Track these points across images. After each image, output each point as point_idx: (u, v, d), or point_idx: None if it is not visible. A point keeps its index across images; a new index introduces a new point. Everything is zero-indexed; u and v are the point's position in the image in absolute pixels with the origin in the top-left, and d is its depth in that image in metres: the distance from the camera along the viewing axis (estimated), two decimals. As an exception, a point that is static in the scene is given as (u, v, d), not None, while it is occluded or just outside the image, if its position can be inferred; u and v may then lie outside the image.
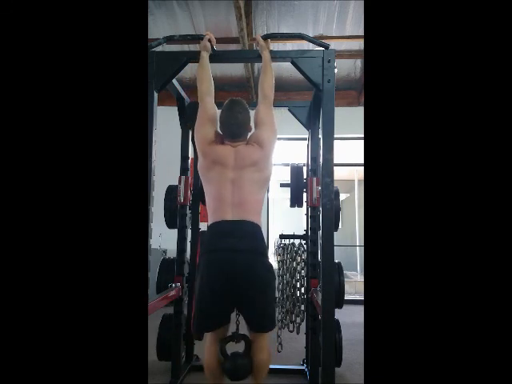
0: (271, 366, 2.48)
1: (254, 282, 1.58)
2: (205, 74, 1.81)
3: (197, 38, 1.88)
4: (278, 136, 1.81)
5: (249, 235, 1.62)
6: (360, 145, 4.93)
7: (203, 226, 2.33)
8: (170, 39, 1.87)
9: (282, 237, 2.63)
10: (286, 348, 2.62)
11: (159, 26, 4.16)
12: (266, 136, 1.74)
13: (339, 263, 2.24)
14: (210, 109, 1.78)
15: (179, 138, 2.50)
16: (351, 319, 3.68)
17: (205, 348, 1.68)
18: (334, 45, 2.90)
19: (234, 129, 1.75)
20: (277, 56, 1.92)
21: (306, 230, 2.56)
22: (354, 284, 6.60)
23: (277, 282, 2.54)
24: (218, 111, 1.82)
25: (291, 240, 2.60)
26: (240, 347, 1.67)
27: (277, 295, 2.56)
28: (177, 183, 2.37)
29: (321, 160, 1.74)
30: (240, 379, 1.64)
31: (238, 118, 1.76)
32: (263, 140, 1.73)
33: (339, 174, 6.99)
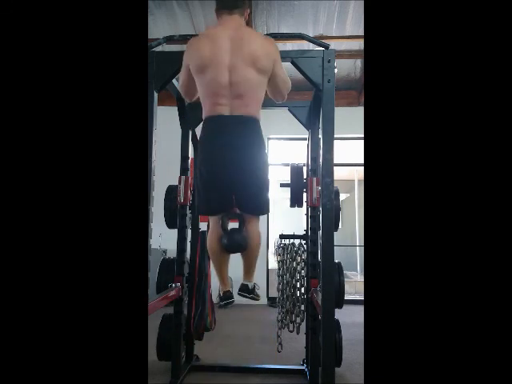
0: (271, 366, 2.52)
1: (248, 167, 1.66)
2: None
3: (197, 38, 1.88)
4: (278, 136, 1.83)
5: (247, 133, 1.64)
6: (360, 145, 4.93)
7: (203, 226, 2.33)
8: (169, 39, 1.87)
9: (281, 237, 2.63)
10: (285, 348, 2.62)
11: (159, 26, 4.16)
12: (274, 47, 1.68)
13: (339, 263, 2.24)
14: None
15: (179, 138, 2.50)
16: (351, 319, 3.68)
17: (208, 232, 1.86)
18: (334, 45, 2.89)
19: None
20: (277, 56, 1.91)
21: (306, 230, 2.56)
22: (354, 284, 6.60)
23: (277, 282, 2.55)
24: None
25: (291, 240, 2.60)
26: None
27: (277, 295, 2.56)
28: (177, 183, 2.37)
29: (321, 160, 1.74)
30: (235, 252, 1.81)
31: None
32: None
33: (339, 174, 6.98)
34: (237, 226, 1.81)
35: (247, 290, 1.84)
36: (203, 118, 1.67)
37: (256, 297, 1.88)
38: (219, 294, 1.91)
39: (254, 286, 1.88)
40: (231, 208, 1.75)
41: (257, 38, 1.65)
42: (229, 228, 1.80)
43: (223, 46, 1.58)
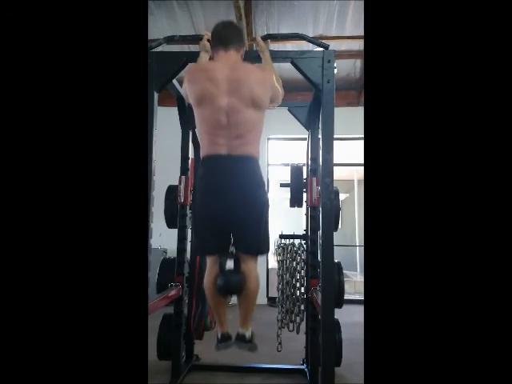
0: (271, 366, 2.52)
1: (246, 207, 1.59)
2: None
3: (197, 39, 1.88)
4: (278, 136, 1.82)
5: (246, 173, 1.60)
6: (360, 145, 4.93)
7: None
8: (170, 39, 1.87)
9: (281, 237, 2.64)
10: (285, 348, 2.62)
11: (159, 26, 4.15)
12: (270, 73, 1.67)
13: (339, 263, 2.24)
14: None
15: (179, 139, 2.50)
16: (351, 319, 3.67)
17: (205, 272, 1.73)
18: (334, 45, 2.89)
19: (226, 32, 1.69)
20: (277, 56, 1.92)
21: (306, 230, 2.56)
22: (354, 284, 6.60)
23: (277, 281, 2.55)
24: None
25: (291, 240, 2.60)
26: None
27: (277, 295, 2.56)
28: (177, 183, 2.37)
29: (321, 160, 1.74)
30: (229, 293, 1.71)
31: (230, 21, 1.79)
32: (264, 68, 1.69)
33: (339, 174, 6.97)
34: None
35: (244, 340, 1.70)
36: (201, 156, 1.64)
37: (253, 348, 1.73)
38: (217, 336, 1.75)
39: (252, 336, 1.74)
40: (229, 248, 1.68)
41: (252, 74, 1.62)
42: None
43: (221, 87, 1.57)
